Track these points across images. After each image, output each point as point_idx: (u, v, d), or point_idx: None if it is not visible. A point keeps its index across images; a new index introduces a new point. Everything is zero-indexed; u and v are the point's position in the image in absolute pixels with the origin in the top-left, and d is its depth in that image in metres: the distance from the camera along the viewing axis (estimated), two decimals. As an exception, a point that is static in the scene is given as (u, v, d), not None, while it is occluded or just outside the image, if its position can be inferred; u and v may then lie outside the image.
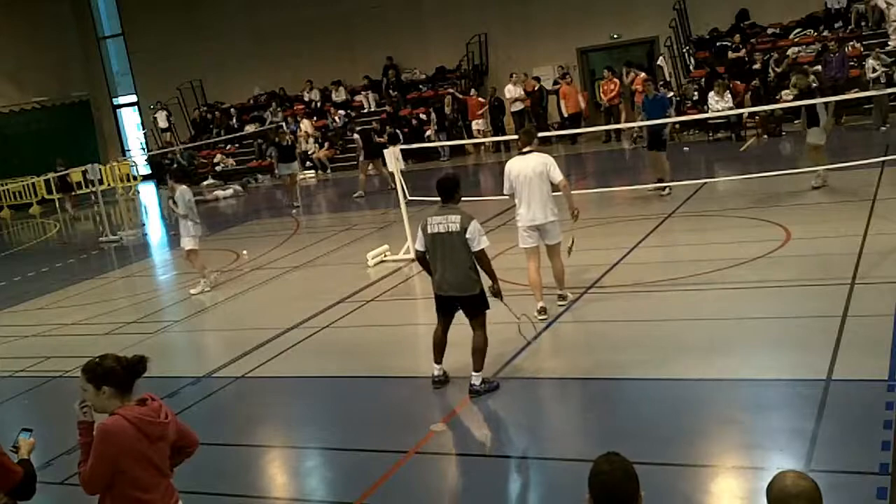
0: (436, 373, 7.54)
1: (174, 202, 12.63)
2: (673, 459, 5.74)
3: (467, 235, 7.01)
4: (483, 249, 7.08)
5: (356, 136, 23.21)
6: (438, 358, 7.51)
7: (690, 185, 14.45)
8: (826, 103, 13.14)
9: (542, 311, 8.85)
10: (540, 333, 8.50)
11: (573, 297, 9.39)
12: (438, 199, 7.31)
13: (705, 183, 14.83)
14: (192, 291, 12.53)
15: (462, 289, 7.16)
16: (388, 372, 8.21)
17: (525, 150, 9.05)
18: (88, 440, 3.82)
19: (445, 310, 7.38)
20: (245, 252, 15.08)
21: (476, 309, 7.23)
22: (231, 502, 6.13)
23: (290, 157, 21.25)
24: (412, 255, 12.28)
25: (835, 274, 8.94)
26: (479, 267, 7.16)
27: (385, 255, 12.71)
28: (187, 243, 12.56)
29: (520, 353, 8.02)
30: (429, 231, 7.19)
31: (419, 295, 11.17)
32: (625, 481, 2.94)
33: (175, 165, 25.41)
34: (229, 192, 25.25)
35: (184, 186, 12.69)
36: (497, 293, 7.32)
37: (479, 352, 7.21)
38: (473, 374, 7.24)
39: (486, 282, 7.29)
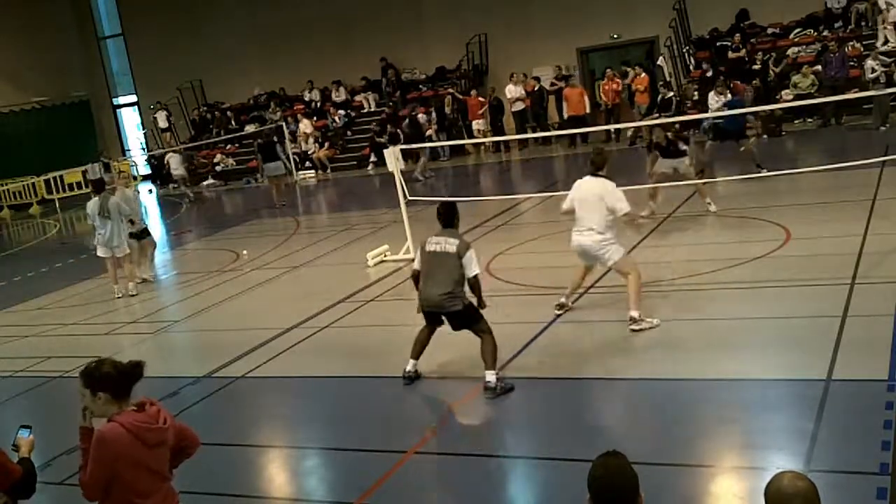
0: (408, 368, 7.69)
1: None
2: (673, 459, 5.74)
3: (463, 261, 7.27)
4: (476, 276, 7.37)
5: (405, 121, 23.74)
6: (416, 354, 7.69)
7: (690, 185, 14.43)
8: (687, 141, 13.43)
9: (561, 306, 8.96)
10: (540, 333, 8.51)
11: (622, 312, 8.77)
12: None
13: (705, 183, 14.81)
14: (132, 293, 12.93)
15: (445, 305, 7.35)
16: (388, 372, 8.18)
17: (590, 171, 8.68)
18: (88, 446, 3.81)
19: (431, 319, 7.61)
20: (245, 252, 15.08)
21: (467, 321, 7.42)
22: (231, 502, 6.13)
23: (273, 155, 21.03)
24: (412, 255, 12.32)
25: (835, 274, 8.93)
26: (466, 287, 7.38)
27: (385, 255, 12.71)
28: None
29: (520, 353, 8.03)
30: (426, 249, 7.49)
31: (419, 295, 11.17)
32: (624, 482, 2.94)
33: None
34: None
35: (93, 199, 12.96)
36: (481, 306, 7.49)
37: (487, 353, 7.33)
38: (486, 372, 7.28)
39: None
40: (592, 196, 8.41)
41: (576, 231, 8.59)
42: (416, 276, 7.64)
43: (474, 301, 7.47)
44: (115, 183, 14.22)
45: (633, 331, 8.14)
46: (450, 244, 7.35)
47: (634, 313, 8.20)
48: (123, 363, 3.92)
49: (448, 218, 7.60)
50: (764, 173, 13.86)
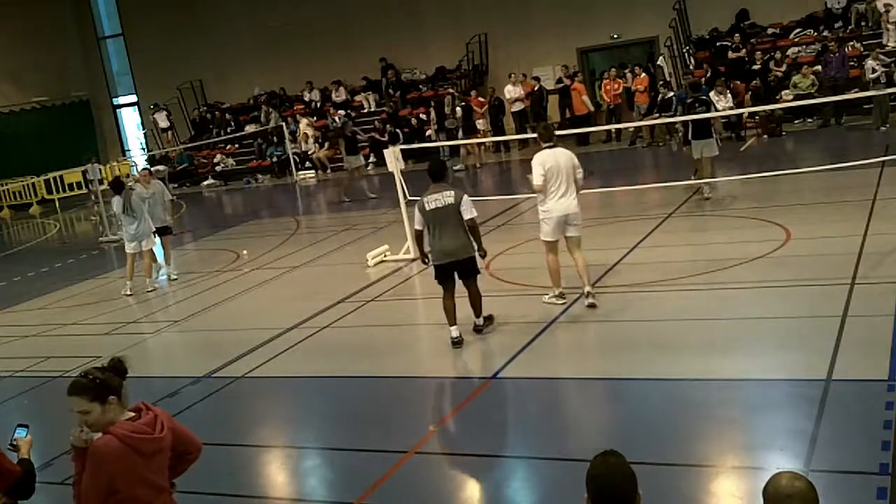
0: (454, 335, 8.32)
1: None
2: (673, 459, 5.74)
3: (461, 207, 8.11)
4: (473, 218, 8.22)
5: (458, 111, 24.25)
6: (453, 321, 8.33)
7: (691, 185, 14.45)
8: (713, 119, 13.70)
9: (561, 295, 9.18)
10: (540, 333, 8.51)
11: (572, 299, 9.34)
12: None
13: (705, 183, 14.82)
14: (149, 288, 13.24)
15: (460, 253, 8.21)
16: (388, 372, 8.20)
17: (547, 144, 9.09)
18: (82, 461, 3.72)
19: (447, 277, 8.33)
20: (245, 252, 15.08)
21: (471, 271, 8.38)
22: (231, 502, 6.13)
23: (354, 148, 21.11)
24: (412, 256, 12.33)
25: (835, 274, 8.93)
26: (469, 234, 8.26)
27: (385, 255, 12.71)
28: None
29: (520, 353, 8.03)
30: (427, 209, 8.17)
31: (419, 295, 11.18)
32: (622, 481, 2.93)
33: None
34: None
35: (115, 198, 13.28)
36: (483, 254, 8.46)
37: (478, 301, 8.44)
38: (476, 319, 8.51)
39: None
40: (567, 164, 8.91)
41: (556, 199, 8.86)
42: (419, 235, 8.41)
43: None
44: (141, 178, 14.35)
45: (594, 305, 8.84)
46: (447, 196, 8.14)
47: (591, 289, 8.97)
48: (105, 366, 3.83)
49: (440, 173, 8.38)
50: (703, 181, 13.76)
